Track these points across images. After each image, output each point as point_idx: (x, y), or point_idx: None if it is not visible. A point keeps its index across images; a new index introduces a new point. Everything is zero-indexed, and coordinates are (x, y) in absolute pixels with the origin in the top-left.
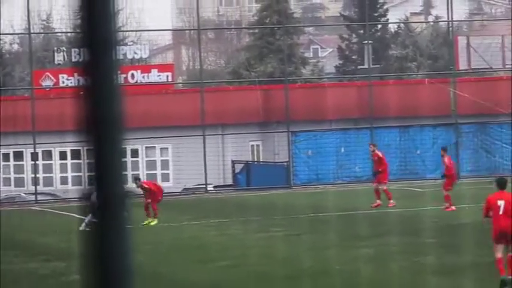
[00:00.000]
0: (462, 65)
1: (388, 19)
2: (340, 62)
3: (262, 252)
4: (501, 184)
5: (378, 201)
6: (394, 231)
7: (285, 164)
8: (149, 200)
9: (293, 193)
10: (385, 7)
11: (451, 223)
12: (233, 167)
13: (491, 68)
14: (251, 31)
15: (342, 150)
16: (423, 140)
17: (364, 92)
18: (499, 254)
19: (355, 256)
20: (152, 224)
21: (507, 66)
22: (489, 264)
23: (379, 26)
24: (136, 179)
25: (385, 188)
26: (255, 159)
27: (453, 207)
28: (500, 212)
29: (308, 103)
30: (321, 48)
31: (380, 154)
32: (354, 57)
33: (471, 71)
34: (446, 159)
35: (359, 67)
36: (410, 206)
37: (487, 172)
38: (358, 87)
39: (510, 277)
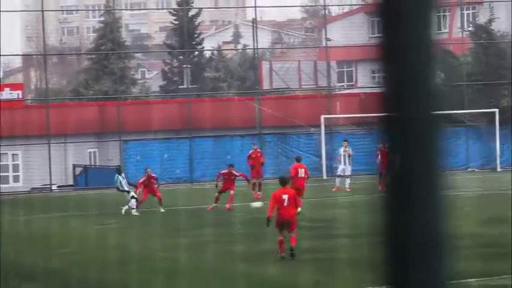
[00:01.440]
0: (265, 85)
1: (203, 47)
2: (164, 82)
3: (97, 241)
4: (283, 181)
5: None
6: (210, 224)
7: (117, 167)
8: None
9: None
10: (201, 37)
11: (257, 217)
12: (74, 170)
13: (289, 87)
14: (89, 56)
15: (165, 155)
16: (233, 147)
17: (183, 107)
18: (281, 237)
19: (177, 244)
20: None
21: (303, 87)
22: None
23: (196, 52)
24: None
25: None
26: (92, 164)
27: (214, 205)
28: (285, 204)
29: (137, 116)
30: (148, 70)
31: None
32: (175, 78)
33: (273, 90)
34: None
35: (179, 87)
36: (220, 202)
37: (286, 174)
38: (178, 104)
39: (292, 246)
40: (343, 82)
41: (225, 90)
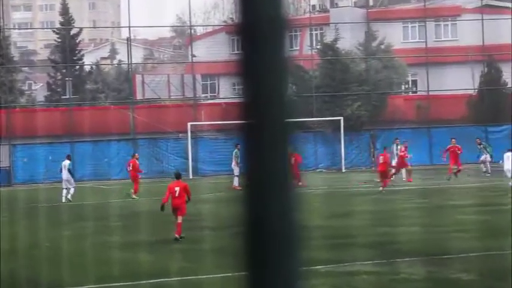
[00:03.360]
0: (139, 95)
1: (83, 62)
2: (49, 93)
3: None
4: (177, 176)
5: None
6: (90, 218)
7: (7, 168)
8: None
9: (14, 189)
10: (81, 53)
11: (133, 211)
12: None
13: (159, 98)
14: None
15: (50, 158)
16: (110, 151)
17: (66, 115)
18: (178, 221)
19: (60, 236)
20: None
21: (172, 97)
22: (163, 241)
23: (77, 67)
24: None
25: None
26: None
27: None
28: (176, 195)
29: (24, 123)
30: (34, 82)
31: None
32: (58, 89)
33: (145, 100)
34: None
35: (62, 97)
36: (100, 199)
37: (157, 174)
38: (61, 112)
39: (177, 236)
40: (207, 93)
41: (103, 100)
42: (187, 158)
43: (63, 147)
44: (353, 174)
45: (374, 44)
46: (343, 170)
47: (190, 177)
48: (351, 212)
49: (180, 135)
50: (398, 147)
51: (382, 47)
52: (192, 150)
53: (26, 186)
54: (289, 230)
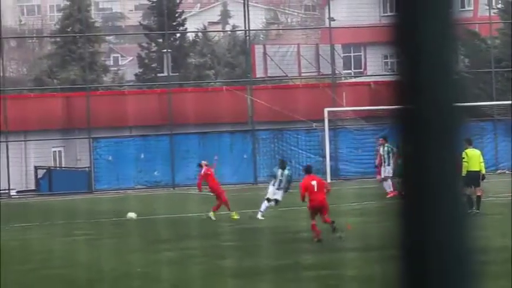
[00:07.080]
0: (259, 73)
1: (186, 28)
2: (140, 70)
3: (65, 255)
4: (308, 170)
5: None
6: (195, 235)
7: (87, 169)
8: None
9: (95, 198)
10: (183, 16)
11: (248, 227)
12: (36, 172)
13: (287, 75)
14: (53, 39)
15: (142, 156)
16: (221, 146)
17: (163, 99)
18: (314, 221)
19: (157, 259)
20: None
21: (303, 74)
22: (284, 267)
23: (178, 35)
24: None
25: None
26: (57, 165)
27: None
28: (315, 190)
29: (109, 110)
30: (121, 56)
31: None
32: (153, 65)
33: (267, 78)
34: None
35: (158, 75)
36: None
37: None
38: (158, 95)
39: (332, 224)
40: (350, 69)
41: (212, 79)
42: (324, 156)
43: (160, 141)
44: None
45: None
46: None
47: (329, 180)
48: None
49: (315, 125)
50: None
51: None
52: (331, 146)
53: (111, 194)
54: (459, 252)
